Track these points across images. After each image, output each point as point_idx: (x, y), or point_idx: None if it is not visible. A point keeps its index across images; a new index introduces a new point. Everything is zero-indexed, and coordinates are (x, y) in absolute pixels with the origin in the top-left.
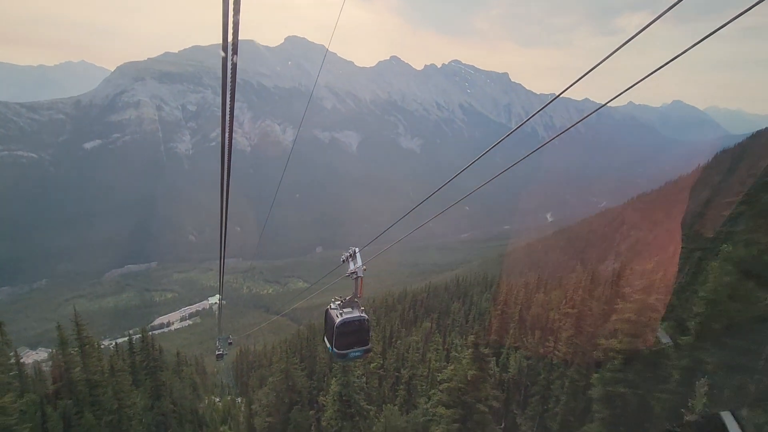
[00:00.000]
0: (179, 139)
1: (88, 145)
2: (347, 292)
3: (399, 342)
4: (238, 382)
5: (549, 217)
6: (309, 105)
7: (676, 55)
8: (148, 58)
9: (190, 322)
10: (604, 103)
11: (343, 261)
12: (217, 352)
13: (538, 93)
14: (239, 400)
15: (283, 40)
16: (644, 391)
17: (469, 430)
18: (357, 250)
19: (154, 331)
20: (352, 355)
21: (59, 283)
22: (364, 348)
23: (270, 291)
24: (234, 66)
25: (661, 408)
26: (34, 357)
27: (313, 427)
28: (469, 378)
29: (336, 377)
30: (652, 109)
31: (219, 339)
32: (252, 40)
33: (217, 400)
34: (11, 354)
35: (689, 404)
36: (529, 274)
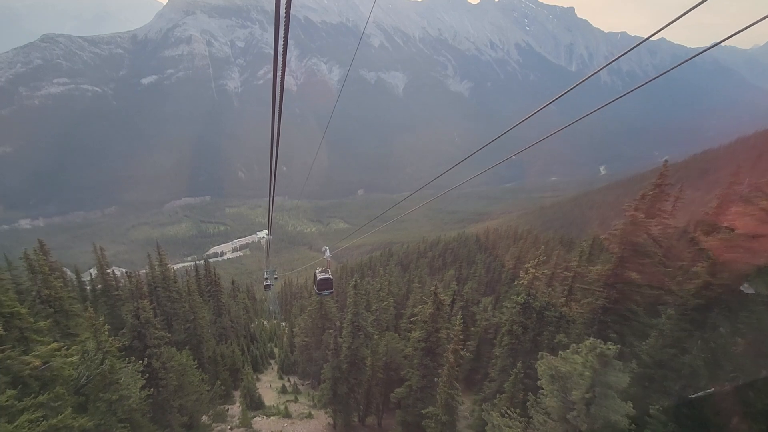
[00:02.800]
0: (228, 77)
1: (145, 81)
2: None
3: (418, 286)
4: (282, 309)
5: (602, 170)
6: (356, 43)
7: None
8: None
9: (241, 254)
10: (690, 56)
11: (322, 251)
12: (265, 283)
13: (606, 31)
14: (283, 324)
15: None
16: (535, 332)
17: (428, 348)
18: (327, 248)
19: (209, 259)
20: (325, 293)
21: (126, 211)
22: (330, 291)
23: (313, 230)
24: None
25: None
26: None
27: (332, 342)
28: (428, 314)
29: (350, 308)
30: (740, 51)
31: (266, 271)
32: None
33: (265, 322)
34: (110, 272)
35: None
36: (564, 230)
